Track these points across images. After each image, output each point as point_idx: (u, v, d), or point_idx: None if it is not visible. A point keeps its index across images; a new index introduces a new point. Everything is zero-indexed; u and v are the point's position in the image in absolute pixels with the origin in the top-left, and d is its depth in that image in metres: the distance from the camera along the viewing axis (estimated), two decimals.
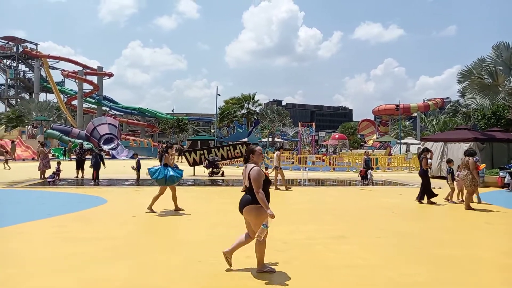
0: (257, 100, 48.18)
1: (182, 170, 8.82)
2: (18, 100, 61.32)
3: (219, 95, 35.67)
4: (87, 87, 58.39)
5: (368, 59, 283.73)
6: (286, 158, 26.65)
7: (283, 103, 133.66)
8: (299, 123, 33.14)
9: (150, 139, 47.96)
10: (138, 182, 14.36)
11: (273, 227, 7.10)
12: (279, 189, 12.73)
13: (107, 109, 62.75)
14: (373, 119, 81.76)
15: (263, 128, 47.80)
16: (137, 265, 4.80)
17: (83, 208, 8.98)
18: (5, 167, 19.73)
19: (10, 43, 63.74)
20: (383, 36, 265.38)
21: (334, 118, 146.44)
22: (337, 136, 48.47)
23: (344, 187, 14.95)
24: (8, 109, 59.39)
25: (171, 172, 8.24)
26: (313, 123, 33.37)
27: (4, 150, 28.11)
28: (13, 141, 29.58)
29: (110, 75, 63.30)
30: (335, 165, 23.24)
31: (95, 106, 61.82)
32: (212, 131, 58.10)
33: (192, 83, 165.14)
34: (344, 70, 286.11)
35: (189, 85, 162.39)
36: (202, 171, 17.82)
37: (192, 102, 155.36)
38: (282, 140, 46.45)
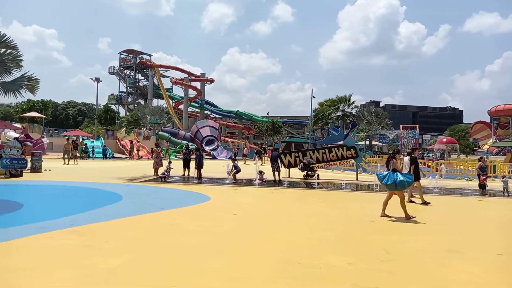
0: (353, 102, 46.50)
1: (412, 175, 8.92)
2: (135, 105, 69.66)
3: (314, 97, 35.41)
4: (191, 93, 63.57)
5: (482, 53, 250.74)
6: None
7: (381, 104, 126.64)
8: (400, 126, 31.00)
9: (246, 141, 49.99)
10: (236, 181, 15.09)
11: (376, 235, 6.79)
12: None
13: (209, 112, 67.32)
14: (488, 121, 72.13)
15: (359, 131, 45.91)
16: (238, 261, 5.03)
17: (190, 204, 9.80)
18: (65, 163, 22.67)
19: (129, 55, 72.91)
20: (500, 26, 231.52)
21: (440, 120, 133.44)
22: (445, 139, 43.88)
23: (456, 196, 13.45)
24: (127, 113, 67.93)
25: (400, 177, 8.13)
26: (417, 126, 30.88)
27: (124, 149, 32.32)
28: (131, 142, 33.76)
29: (211, 81, 67.82)
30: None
31: (198, 110, 66.82)
32: (306, 133, 57.95)
33: (286, 86, 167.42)
34: (453, 67, 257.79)
35: (283, 88, 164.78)
36: (297, 173, 17.90)
37: (286, 105, 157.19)
38: (381, 144, 44.05)
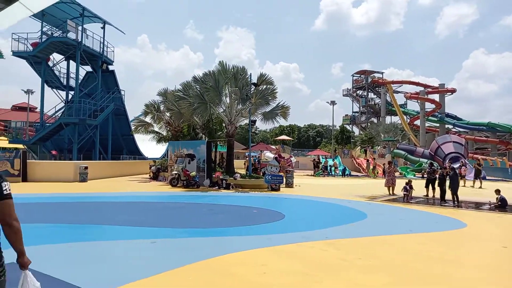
0: None
1: None
2: (368, 124, 70.40)
3: None
4: (428, 106, 58.53)
5: None
6: None
7: None
8: None
9: (504, 158, 41.21)
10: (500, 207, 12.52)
11: None
12: None
13: (451, 126, 59.93)
14: None
15: None
16: None
17: (442, 229, 8.86)
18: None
19: (361, 76, 74.98)
20: None
21: None
22: None
23: None
24: (361, 132, 69.50)
25: None
26: None
27: (361, 168, 33.01)
28: (367, 160, 34.14)
29: (453, 91, 60.35)
30: None
31: (437, 124, 60.65)
32: None
33: None
34: None
35: None
36: None
37: None
38: None
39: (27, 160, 20.34)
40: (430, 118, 60.03)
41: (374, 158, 35.24)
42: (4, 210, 2.28)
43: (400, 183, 16.39)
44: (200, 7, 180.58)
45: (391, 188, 16.54)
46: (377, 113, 70.93)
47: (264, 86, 21.37)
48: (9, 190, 2.35)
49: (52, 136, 27.47)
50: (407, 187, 14.64)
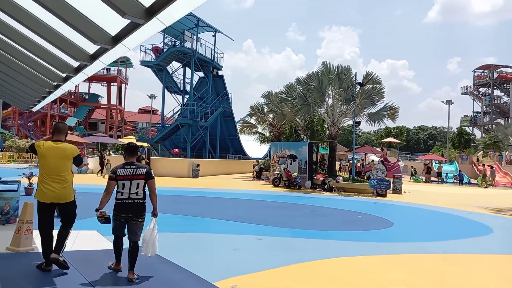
0: None
1: None
2: (494, 126, 61.50)
3: None
4: None
5: None
6: None
7: None
8: None
9: None
10: None
11: None
12: None
13: None
14: None
15: None
16: None
17: None
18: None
19: (485, 71, 65.87)
20: None
21: None
22: None
23: None
24: (484, 135, 61.15)
25: None
26: None
27: (480, 174, 28.96)
28: (492, 167, 29.87)
29: None
30: None
31: None
32: None
33: None
34: None
35: None
36: None
37: None
38: None
39: (151, 157, 23.12)
40: None
41: (484, 164, 30.70)
42: (152, 185, 4.56)
43: None
44: (303, 9, 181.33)
45: None
46: (505, 114, 61.48)
47: (370, 86, 20.41)
48: (153, 174, 4.62)
49: (170, 135, 30.70)
50: None
